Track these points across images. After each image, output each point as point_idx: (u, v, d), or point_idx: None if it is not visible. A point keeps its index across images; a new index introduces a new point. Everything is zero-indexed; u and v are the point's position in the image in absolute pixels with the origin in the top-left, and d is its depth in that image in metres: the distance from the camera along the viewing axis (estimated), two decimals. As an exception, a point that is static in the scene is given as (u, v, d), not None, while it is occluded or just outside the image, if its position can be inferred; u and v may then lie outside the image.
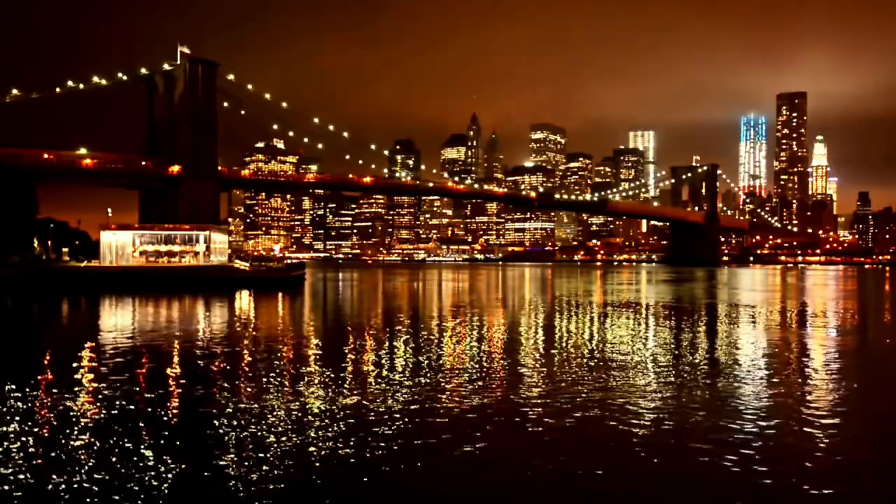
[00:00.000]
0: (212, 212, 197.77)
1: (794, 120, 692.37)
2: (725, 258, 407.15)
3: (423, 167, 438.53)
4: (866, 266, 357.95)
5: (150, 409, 21.87)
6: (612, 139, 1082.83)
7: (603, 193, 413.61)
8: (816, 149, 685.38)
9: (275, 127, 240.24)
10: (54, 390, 24.60)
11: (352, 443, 18.10)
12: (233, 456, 17.06)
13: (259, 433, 19.00)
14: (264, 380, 26.71)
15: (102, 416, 20.96)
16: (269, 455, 17.06)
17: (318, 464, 16.47)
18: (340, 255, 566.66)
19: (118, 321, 52.38)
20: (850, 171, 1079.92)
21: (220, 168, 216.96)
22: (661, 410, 21.90)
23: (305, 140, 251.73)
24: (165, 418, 20.85)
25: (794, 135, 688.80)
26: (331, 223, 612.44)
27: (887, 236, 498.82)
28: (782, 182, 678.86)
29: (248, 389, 24.94)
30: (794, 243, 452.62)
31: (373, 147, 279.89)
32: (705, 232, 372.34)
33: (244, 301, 73.56)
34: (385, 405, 22.38)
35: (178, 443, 18.28)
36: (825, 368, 30.40)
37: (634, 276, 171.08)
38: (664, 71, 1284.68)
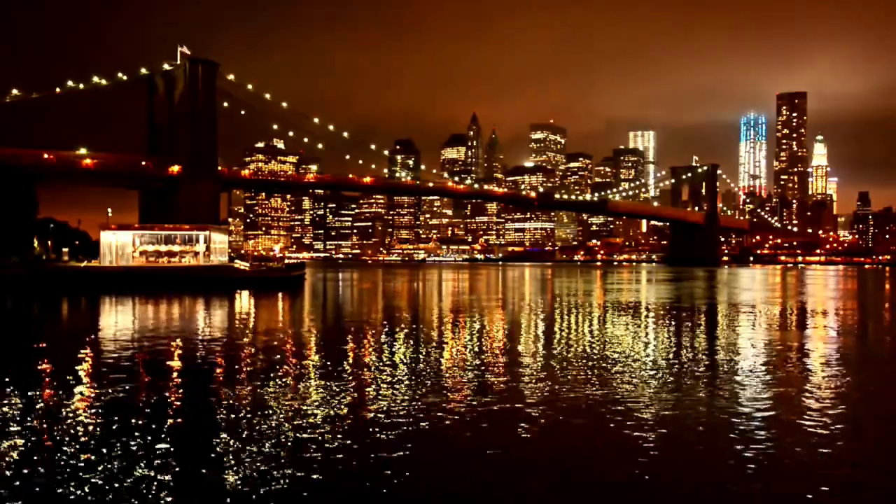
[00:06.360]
0: (212, 212, 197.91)
1: (794, 120, 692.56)
2: (725, 258, 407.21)
3: (423, 167, 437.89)
4: (866, 266, 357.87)
5: (149, 410, 21.87)
6: (612, 139, 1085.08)
7: (603, 193, 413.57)
8: (816, 149, 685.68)
9: (275, 127, 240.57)
10: (54, 390, 24.61)
11: (352, 443, 18.10)
12: (233, 456, 17.06)
13: (259, 433, 18.99)
14: (264, 380, 26.70)
15: (102, 415, 20.95)
16: (269, 455, 17.05)
17: (318, 464, 16.47)
18: (340, 255, 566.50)
19: (118, 321, 52.39)
20: (850, 171, 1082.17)
21: (220, 168, 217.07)
22: (660, 410, 21.89)
23: (305, 140, 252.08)
24: (165, 418, 20.84)
25: (794, 135, 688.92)
26: (331, 223, 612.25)
27: (887, 236, 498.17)
28: (782, 182, 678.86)
29: (248, 389, 24.93)
30: (795, 243, 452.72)
31: (373, 147, 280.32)
32: (705, 232, 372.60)
33: (244, 301, 73.56)
34: (385, 404, 22.38)
35: (178, 443, 18.27)
36: (825, 368, 30.39)
37: (634, 276, 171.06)
38: (664, 72, 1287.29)
